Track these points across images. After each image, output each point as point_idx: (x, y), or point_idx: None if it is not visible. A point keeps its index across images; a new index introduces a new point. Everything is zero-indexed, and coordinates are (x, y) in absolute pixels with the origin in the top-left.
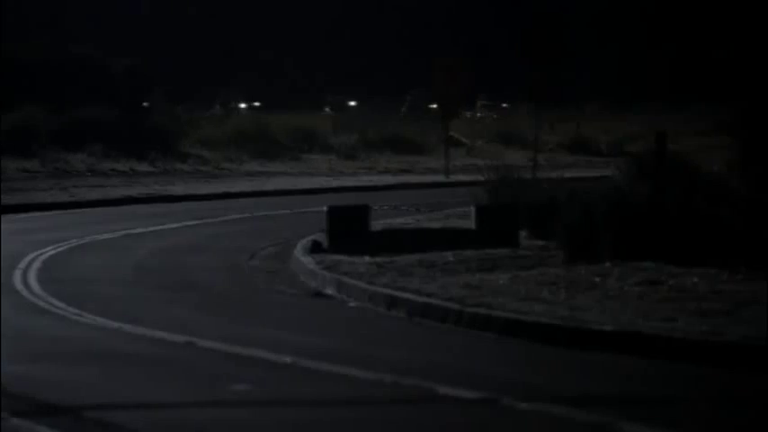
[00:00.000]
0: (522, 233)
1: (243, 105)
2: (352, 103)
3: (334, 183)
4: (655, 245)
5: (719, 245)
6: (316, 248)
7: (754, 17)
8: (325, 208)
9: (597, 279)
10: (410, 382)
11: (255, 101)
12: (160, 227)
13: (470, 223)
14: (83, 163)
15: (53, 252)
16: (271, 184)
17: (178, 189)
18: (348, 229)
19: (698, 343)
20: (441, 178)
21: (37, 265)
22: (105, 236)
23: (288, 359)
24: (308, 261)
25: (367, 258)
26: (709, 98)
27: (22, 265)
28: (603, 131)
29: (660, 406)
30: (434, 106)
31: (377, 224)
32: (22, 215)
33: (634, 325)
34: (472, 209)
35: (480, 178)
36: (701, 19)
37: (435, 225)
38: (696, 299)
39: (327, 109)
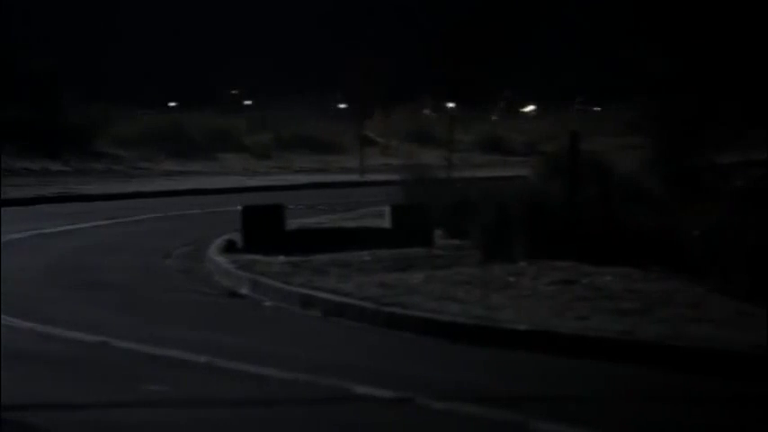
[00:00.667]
0: (438, 233)
1: (172, 104)
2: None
3: (249, 182)
4: (569, 244)
5: (633, 244)
6: (230, 248)
7: (665, 17)
8: (239, 207)
9: (512, 278)
10: (326, 381)
11: (173, 101)
12: (74, 226)
13: (385, 223)
14: None
15: None
16: (186, 184)
17: (92, 188)
18: (263, 229)
19: (611, 341)
20: (355, 178)
21: None
22: (16, 236)
23: (203, 359)
24: (223, 261)
25: (282, 258)
26: (623, 98)
27: None
28: (518, 131)
29: (573, 404)
30: (344, 106)
31: (292, 223)
32: None
33: (548, 324)
34: (387, 208)
35: (395, 178)
36: (614, 18)
37: (350, 224)
38: (610, 298)
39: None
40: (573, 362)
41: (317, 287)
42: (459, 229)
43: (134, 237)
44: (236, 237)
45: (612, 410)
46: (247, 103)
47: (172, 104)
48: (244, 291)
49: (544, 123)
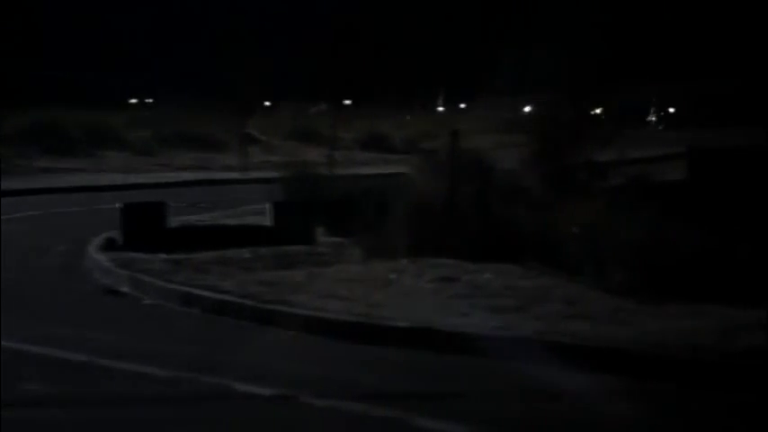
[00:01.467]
0: (319, 230)
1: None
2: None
3: (130, 180)
4: (450, 242)
5: (512, 242)
6: (110, 246)
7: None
8: (120, 205)
9: (393, 276)
10: (207, 379)
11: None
12: None
13: (267, 220)
14: None
15: None
16: (65, 182)
17: None
18: (144, 227)
19: (491, 338)
20: (237, 175)
21: None
22: None
23: (82, 357)
24: (103, 258)
25: (163, 255)
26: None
27: None
28: (398, 128)
29: (455, 401)
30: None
31: (173, 221)
32: None
33: (429, 321)
34: (268, 206)
35: (277, 175)
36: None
37: (232, 222)
38: (489, 295)
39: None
40: (453, 358)
41: (197, 285)
42: (341, 226)
43: (12, 234)
44: (117, 234)
45: (492, 407)
46: (148, 101)
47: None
48: (123, 289)
49: (426, 121)
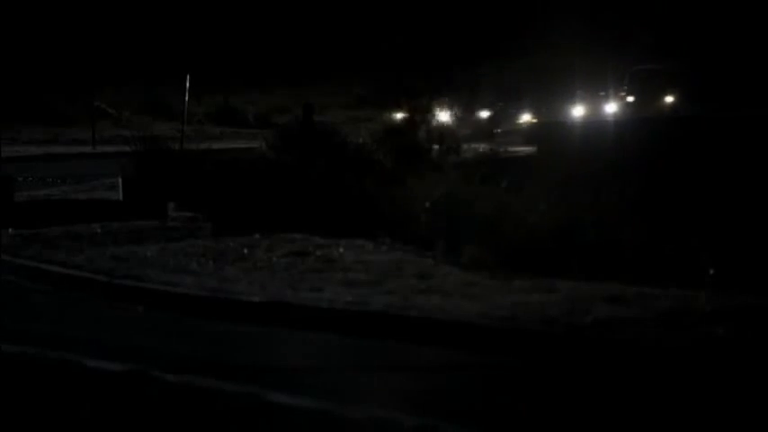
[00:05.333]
0: (171, 205)
1: None
2: None
3: None
4: (302, 216)
5: (365, 217)
6: None
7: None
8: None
9: (245, 251)
10: (56, 355)
11: None
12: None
13: (118, 195)
14: None
15: None
16: None
17: None
18: None
19: (343, 312)
20: (87, 149)
21: None
22: None
23: None
24: None
25: (11, 230)
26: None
27: None
28: (251, 103)
29: (308, 375)
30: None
31: (21, 196)
32: None
33: (282, 296)
34: (119, 180)
35: (128, 149)
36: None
37: (82, 197)
38: (342, 269)
39: None
40: (307, 333)
41: (46, 260)
42: (193, 201)
43: None
44: None
45: (346, 380)
46: None
47: None
48: None
49: (276, 97)
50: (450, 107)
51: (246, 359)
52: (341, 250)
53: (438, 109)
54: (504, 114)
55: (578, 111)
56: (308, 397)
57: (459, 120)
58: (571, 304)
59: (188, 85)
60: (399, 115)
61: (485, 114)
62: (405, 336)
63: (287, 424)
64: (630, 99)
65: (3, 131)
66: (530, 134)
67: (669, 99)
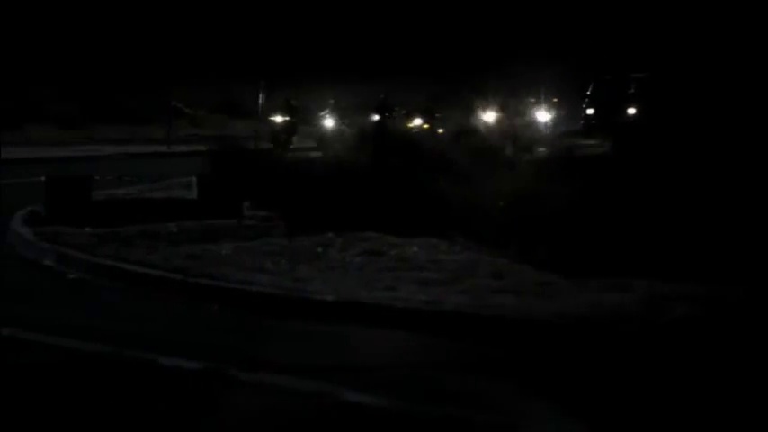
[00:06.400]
0: (246, 204)
1: None
2: None
3: (55, 153)
4: (375, 215)
5: (438, 215)
6: (34, 219)
7: None
8: (43, 178)
9: (319, 249)
10: (132, 353)
11: None
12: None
13: (193, 194)
14: None
15: None
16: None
17: None
18: (69, 200)
19: (417, 311)
20: (163, 149)
21: None
22: None
23: (6, 332)
24: (26, 232)
25: (88, 229)
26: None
27: None
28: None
29: (381, 374)
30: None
31: (99, 194)
32: None
33: (355, 295)
34: (194, 179)
35: (203, 148)
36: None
37: (158, 195)
38: (416, 268)
39: None
40: (380, 332)
41: (123, 259)
42: (268, 200)
43: None
44: (41, 208)
45: (420, 379)
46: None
47: None
48: (48, 263)
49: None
50: (530, 107)
51: (320, 358)
52: (414, 249)
53: (515, 108)
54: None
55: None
56: (382, 396)
57: (528, 120)
58: (647, 303)
59: (262, 85)
60: (476, 114)
61: (546, 116)
62: (479, 335)
63: (360, 422)
64: (590, 111)
65: (81, 131)
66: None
67: (631, 111)
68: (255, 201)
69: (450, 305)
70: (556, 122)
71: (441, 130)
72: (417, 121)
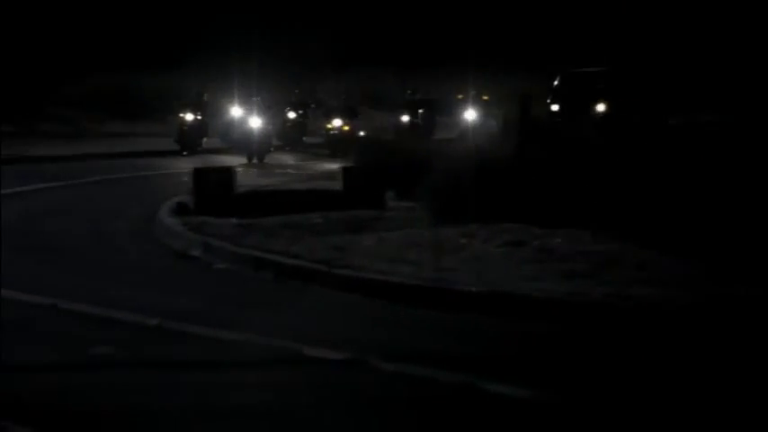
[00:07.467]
0: (389, 194)
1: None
2: None
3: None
4: (519, 206)
5: (583, 206)
6: (181, 210)
7: None
8: (190, 169)
9: (463, 240)
10: (277, 343)
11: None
12: (23, 188)
13: (337, 185)
14: None
15: None
16: (136, 146)
17: (40, 150)
18: (214, 191)
19: (562, 303)
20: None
21: None
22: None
23: (154, 321)
24: (174, 223)
25: (233, 220)
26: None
27: None
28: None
29: (523, 365)
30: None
31: (243, 185)
32: None
33: (499, 285)
34: (339, 170)
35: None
36: None
37: (302, 187)
38: (559, 260)
39: None
40: (522, 323)
41: (268, 249)
42: (411, 191)
43: (84, 199)
44: (187, 199)
45: (562, 371)
46: None
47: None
48: (195, 253)
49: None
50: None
51: (463, 349)
52: (558, 240)
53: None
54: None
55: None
56: (525, 388)
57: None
58: None
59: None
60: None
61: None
62: (623, 326)
63: (503, 414)
64: (555, 108)
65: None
66: None
67: (601, 107)
68: (399, 191)
69: (594, 296)
70: (483, 122)
71: (362, 133)
72: (337, 122)
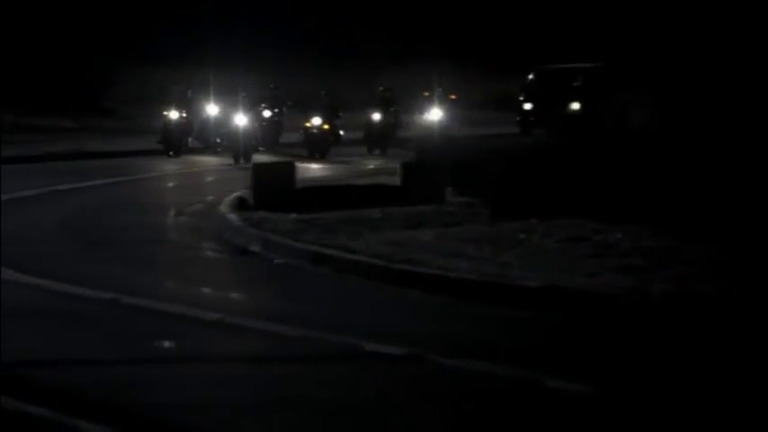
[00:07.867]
0: (449, 190)
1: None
2: None
3: None
4: (578, 201)
5: (643, 202)
6: (241, 205)
7: None
8: (250, 164)
9: (522, 235)
10: (337, 338)
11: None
12: (84, 184)
13: (396, 180)
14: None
15: None
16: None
17: (100, 145)
18: (273, 186)
19: (621, 298)
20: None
21: None
22: (27, 192)
23: (214, 316)
24: (234, 218)
25: (293, 215)
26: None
27: None
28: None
29: (584, 361)
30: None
31: (303, 181)
32: None
33: (557, 281)
34: (398, 166)
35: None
36: None
37: (361, 182)
38: (619, 255)
39: None
40: (582, 318)
41: (327, 244)
42: (470, 186)
43: (145, 194)
44: (247, 194)
45: (623, 367)
46: None
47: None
48: (254, 248)
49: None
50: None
51: (522, 344)
52: (618, 236)
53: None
54: None
55: None
56: (584, 383)
57: None
58: None
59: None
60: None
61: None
62: (686, 322)
63: (562, 410)
64: (528, 107)
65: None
66: None
67: (575, 106)
68: (459, 187)
69: (654, 292)
70: (449, 121)
71: (342, 132)
72: (316, 121)
